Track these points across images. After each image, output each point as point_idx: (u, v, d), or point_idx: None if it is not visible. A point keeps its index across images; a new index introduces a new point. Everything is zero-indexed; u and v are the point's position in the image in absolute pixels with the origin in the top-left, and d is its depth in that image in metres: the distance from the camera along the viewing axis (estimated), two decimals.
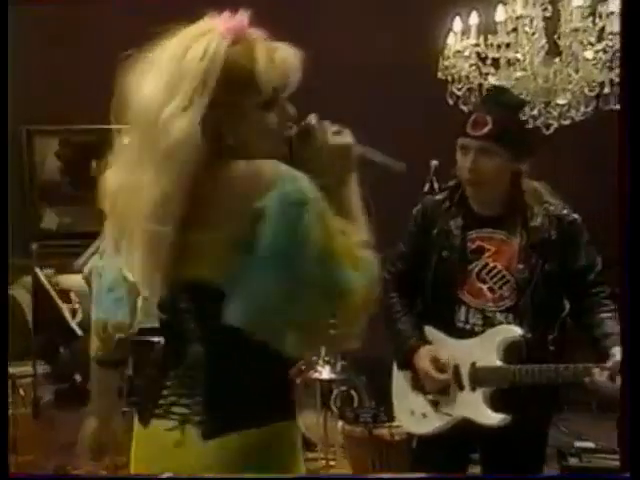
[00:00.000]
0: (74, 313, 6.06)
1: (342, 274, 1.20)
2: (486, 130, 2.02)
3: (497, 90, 2.35)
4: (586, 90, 3.11)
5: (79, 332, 3.42)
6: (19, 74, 3.93)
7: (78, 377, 5.58)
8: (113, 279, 1.45)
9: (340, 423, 3.45)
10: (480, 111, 2.10)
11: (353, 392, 4.32)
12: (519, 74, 3.14)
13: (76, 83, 6.04)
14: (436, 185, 3.48)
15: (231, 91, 1.21)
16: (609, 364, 1.88)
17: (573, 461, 4.10)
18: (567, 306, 2.11)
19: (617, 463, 3.30)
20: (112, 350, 1.56)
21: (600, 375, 1.88)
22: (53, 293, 3.34)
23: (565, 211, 2.12)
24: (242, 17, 1.25)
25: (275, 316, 1.20)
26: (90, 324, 4.80)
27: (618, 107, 3.12)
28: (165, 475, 1.29)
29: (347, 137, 1.35)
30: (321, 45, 5.65)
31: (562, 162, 4.72)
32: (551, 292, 2.07)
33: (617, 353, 1.88)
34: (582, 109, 3.17)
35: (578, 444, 4.25)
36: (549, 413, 2.17)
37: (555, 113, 3.19)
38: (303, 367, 4.09)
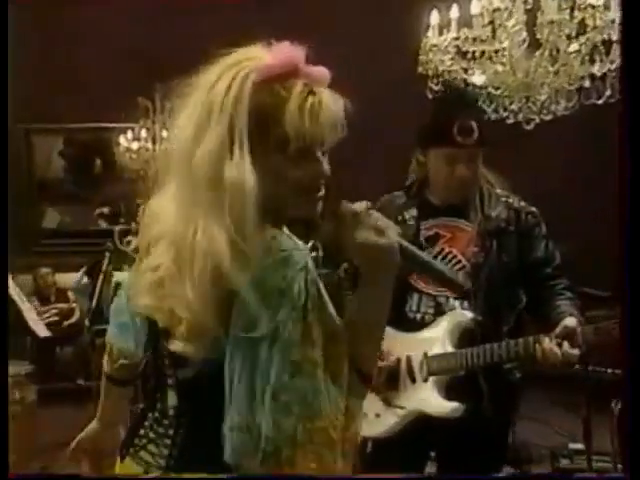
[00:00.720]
0: (71, 312, 6.09)
1: (314, 386, 1.05)
2: (475, 137, 1.98)
3: (460, 85, 2.29)
4: (566, 84, 3.04)
5: (42, 333, 3.40)
6: (19, 73, 3.93)
7: (81, 381, 5.60)
8: (122, 303, 1.38)
9: None
10: (455, 112, 2.04)
11: None
12: (498, 68, 3.07)
13: (80, 82, 6.07)
14: None
15: (256, 132, 1.08)
16: (557, 330, 1.84)
17: (564, 462, 4.06)
18: (524, 299, 2.06)
19: (608, 465, 3.26)
20: (119, 371, 1.52)
21: (549, 343, 1.82)
22: (14, 291, 3.34)
23: (522, 204, 2.11)
24: (291, 53, 1.12)
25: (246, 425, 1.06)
26: (84, 325, 4.77)
27: (600, 102, 3.05)
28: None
29: (390, 237, 1.15)
30: (304, 40, 5.68)
31: (543, 157, 4.65)
32: (507, 282, 2.04)
33: (568, 322, 1.85)
34: (563, 103, 3.10)
35: (572, 446, 4.20)
36: (507, 410, 2.10)
37: (535, 108, 3.12)
38: None
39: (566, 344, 1.81)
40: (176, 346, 1.14)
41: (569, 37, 2.94)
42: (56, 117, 6.38)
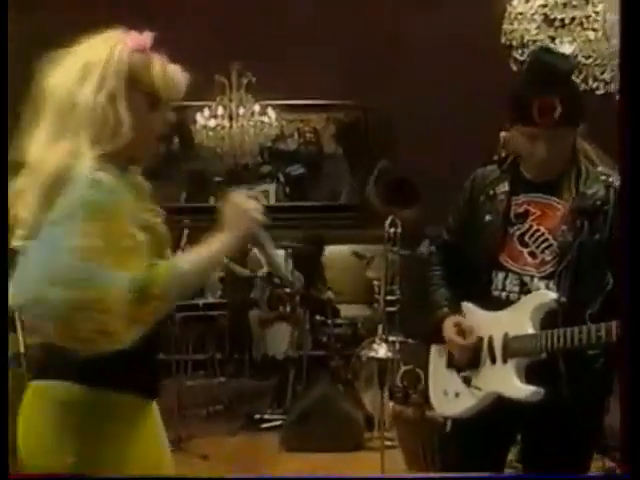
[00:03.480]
0: None
1: (99, 272, 1.31)
2: (557, 116, 1.86)
3: (548, 55, 2.10)
4: None
5: None
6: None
7: None
8: None
9: (391, 404, 3.36)
10: (537, 87, 1.91)
11: (419, 371, 4.23)
12: (590, 35, 2.91)
13: None
14: None
15: (128, 86, 1.46)
16: None
17: None
18: (611, 282, 1.93)
19: None
20: None
21: None
22: None
23: None
24: (146, 37, 1.52)
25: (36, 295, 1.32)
26: None
27: None
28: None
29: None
30: (387, 15, 5.56)
31: None
32: (596, 263, 1.92)
33: None
34: None
35: None
36: (589, 397, 1.98)
37: None
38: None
39: None
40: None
41: None
42: None
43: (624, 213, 1.39)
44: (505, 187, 2.03)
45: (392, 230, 3.40)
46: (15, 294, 1.35)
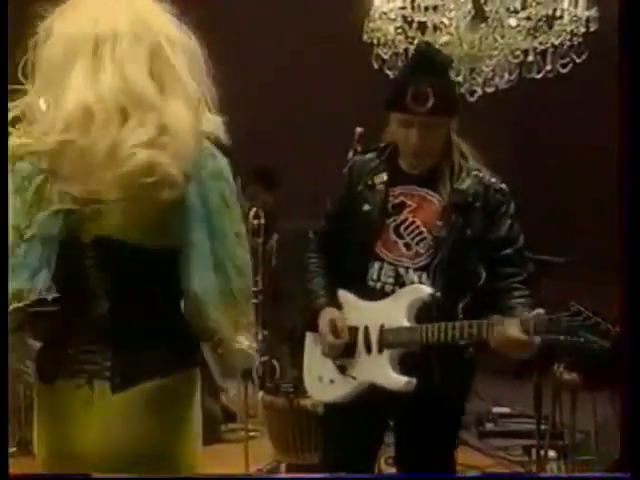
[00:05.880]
0: None
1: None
2: (429, 105, 1.96)
3: (428, 50, 2.18)
4: (510, 57, 3.10)
5: None
6: None
7: None
8: (11, 241, 1.38)
9: (260, 394, 3.38)
10: (414, 77, 2.01)
11: (275, 362, 4.28)
12: (445, 39, 3.10)
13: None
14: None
15: None
16: (520, 316, 1.88)
17: (489, 426, 4.21)
18: (483, 276, 2.04)
19: (532, 427, 3.34)
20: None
21: (503, 327, 1.86)
22: None
23: (494, 180, 2.08)
24: None
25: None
26: None
27: (539, 76, 3.13)
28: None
29: None
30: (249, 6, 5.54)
31: (484, 130, 4.75)
32: (468, 258, 2.03)
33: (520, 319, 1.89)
34: (506, 77, 3.16)
35: (495, 410, 4.36)
36: (459, 384, 2.09)
37: (480, 80, 3.17)
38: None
39: (517, 330, 1.84)
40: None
41: (514, 11, 2.99)
42: None
43: (624, 212, 1.44)
44: (383, 177, 2.09)
45: (256, 222, 3.41)
46: None
